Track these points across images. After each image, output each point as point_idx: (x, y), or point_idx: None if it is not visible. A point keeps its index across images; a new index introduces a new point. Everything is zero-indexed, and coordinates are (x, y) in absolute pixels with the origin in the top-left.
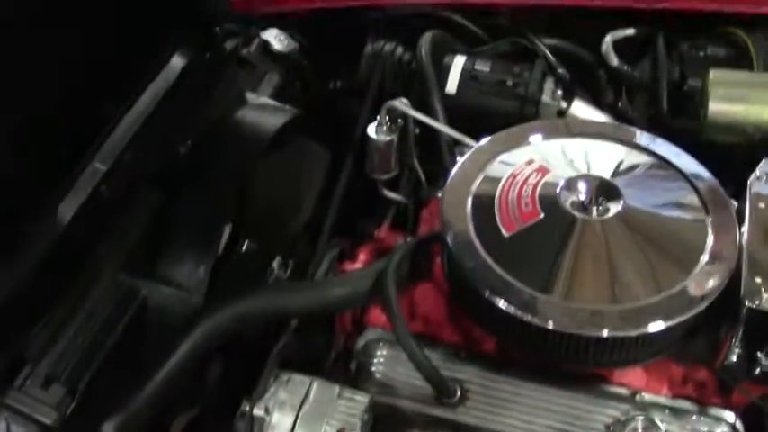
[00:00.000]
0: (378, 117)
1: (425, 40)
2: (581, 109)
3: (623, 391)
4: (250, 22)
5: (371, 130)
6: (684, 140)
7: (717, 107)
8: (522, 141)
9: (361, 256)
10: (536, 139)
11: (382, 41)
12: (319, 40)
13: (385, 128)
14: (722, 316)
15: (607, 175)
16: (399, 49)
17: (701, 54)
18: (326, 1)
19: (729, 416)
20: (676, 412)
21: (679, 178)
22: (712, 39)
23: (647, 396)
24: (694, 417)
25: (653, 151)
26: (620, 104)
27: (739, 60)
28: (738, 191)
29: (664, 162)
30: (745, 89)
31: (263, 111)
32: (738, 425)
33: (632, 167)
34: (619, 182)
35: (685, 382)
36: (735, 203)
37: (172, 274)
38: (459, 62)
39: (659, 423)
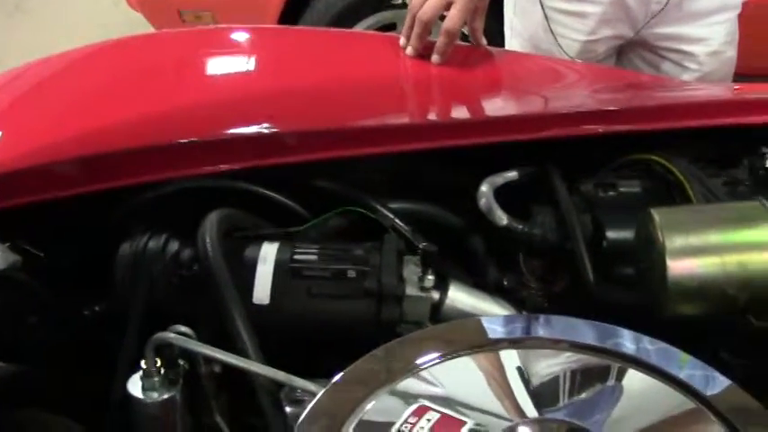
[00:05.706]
0: (143, 362)
1: (208, 227)
2: (462, 297)
3: None
4: None
5: (134, 385)
6: (627, 320)
7: (678, 265)
8: (399, 372)
9: None
10: (421, 360)
11: (145, 236)
12: (61, 244)
13: (156, 379)
14: None
15: (547, 410)
16: (173, 245)
17: (612, 194)
18: (67, 188)
19: None
20: None
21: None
22: (618, 171)
23: None
24: None
25: (606, 348)
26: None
27: (663, 195)
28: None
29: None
30: (710, 233)
31: None
32: None
33: (581, 386)
34: (582, 419)
35: None
36: None
37: None
38: (268, 253)
39: None
